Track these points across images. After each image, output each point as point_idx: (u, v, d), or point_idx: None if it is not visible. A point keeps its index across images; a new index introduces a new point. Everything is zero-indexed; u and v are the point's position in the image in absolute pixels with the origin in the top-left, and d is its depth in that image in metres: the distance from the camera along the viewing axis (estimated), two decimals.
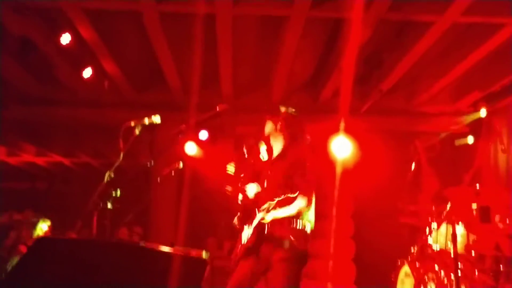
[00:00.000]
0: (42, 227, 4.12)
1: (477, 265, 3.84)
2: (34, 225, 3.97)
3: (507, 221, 3.91)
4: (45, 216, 4.59)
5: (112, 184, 2.60)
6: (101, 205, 2.24)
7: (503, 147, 3.70)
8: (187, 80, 5.51)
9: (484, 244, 3.92)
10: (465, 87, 5.60)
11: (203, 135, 5.76)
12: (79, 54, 4.85)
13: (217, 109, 2.73)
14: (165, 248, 1.39)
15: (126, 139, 3.21)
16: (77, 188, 9.45)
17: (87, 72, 5.06)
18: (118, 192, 2.31)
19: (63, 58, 4.99)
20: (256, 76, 5.65)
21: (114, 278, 1.14)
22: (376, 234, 6.53)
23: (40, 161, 9.23)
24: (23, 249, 3.59)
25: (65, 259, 1.06)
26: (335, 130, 5.98)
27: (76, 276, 1.09)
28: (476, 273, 3.82)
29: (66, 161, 9.23)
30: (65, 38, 4.40)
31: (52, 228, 4.22)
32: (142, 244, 1.35)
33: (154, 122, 3.35)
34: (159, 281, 1.20)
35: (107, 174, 2.69)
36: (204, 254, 1.71)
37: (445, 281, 3.86)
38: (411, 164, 4.79)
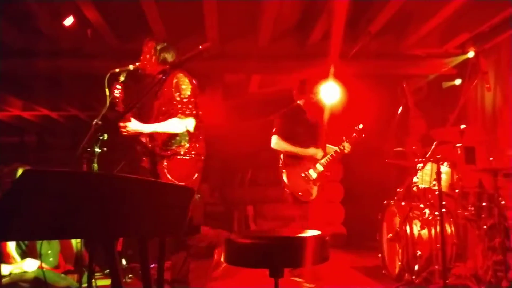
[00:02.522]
0: None
1: (461, 202, 3.97)
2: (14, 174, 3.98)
3: (490, 159, 4.00)
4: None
5: (101, 129, 2.61)
6: (89, 149, 2.26)
7: (488, 86, 3.73)
8: (172, 28, 5.40)
9: (468, 181, 4.04)
10: (454, 29, 5.55)
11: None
12: (59, 2, 4.71)
13: (200, 48, 2.70)
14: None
15: (112, 87, 3.19)
16: (66, 141, 9.43)
17: (69, 21, 4.93)
18: (106, 136, 2.32)
19: (42, 7, 4.84)
20: (242, 21, 5.54)
21: (103, 210, 1.17)
22: (364, 176, 6.67)
23: (27, 115, 9.14)
24: None
25: (54, 192, 1.07)
26: (324, 75, 5.97)
27: (65, 210, 1.11)
28: (460, 209, 3.96)
29: (53, 114, 9.14)
30: None
31: None
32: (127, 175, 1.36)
33: (140, 69, 3.32)
34: (147, 207, 1.24)
35: (94, 122, 2.70)
36: (196, 196, 1.74)
37: (430, 219, 4.01)
38: (399, 107, 4.83)
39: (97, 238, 1.41)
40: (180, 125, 3.21)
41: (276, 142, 4.54)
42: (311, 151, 4.44)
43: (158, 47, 3.40)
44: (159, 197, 1.25)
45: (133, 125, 3.23)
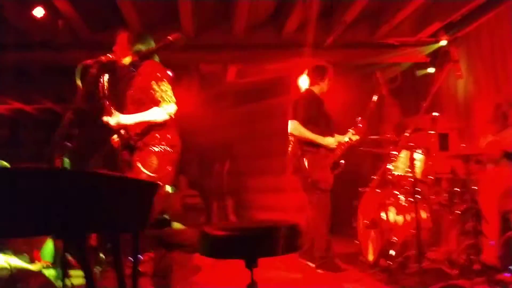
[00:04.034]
0: None
1: (434, 188, 4.06)
2: None
3: (463, 145, 4.09)
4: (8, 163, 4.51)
5: (73, 124, 2.57)
6: (60, 145, 2.23)
7: (459, 73, 3.80)
8: (146, 19, 5.33)
9: (441, 168, 4.12)
10: (426, 18, 5.62)
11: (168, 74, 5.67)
12: None
13: (170, 38, 2.67)
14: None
15: (84, 79, 3.14)
16: (41, 135, 9.26)
17: (39, 12, 4.82)
18: (76, 131, 2.29)
19: None
20: (217, 11, 5.50)
21: (69, 206, 1.16)
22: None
23: (1, 109, 8.94)
24: None
25: (20, 190, 1.06)
26: (301, 65, 5.99)
27: (32, 207, 1.10)
28: (434, 195, 4.04)
29: (27, 108, 8.96)
30: None
31: None
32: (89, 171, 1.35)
33: (112, 60, 3.27)
34: (110, 205, 1.23)
35: (66, 115, 2.65)
36: (170, 188, 1.74)
37: (405, 205, 4.08)
38: (373, 96, 4.88)
39: (64, 235, 1.39)
40: (162, 113, 3.19)
41: (295, 127, 4.43)
42: (329, 140, 4.41)
43: (133, 38, 3.35)
44: (123, 192, 1.25)
45: (116, 118, 3.20)
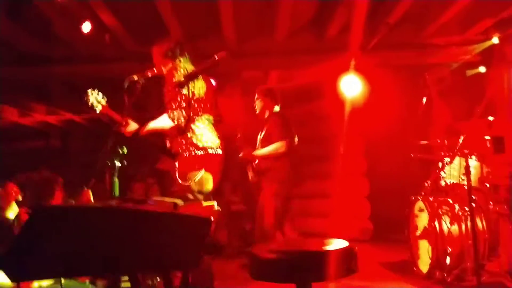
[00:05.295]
0: None
1: (491, 195, 3.85)
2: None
3: None
4: (60, 173, 4.64)
5: (121, 140, 2.60)
6: (109, 163, 2.25)
7: None
8: (189, 29, 5.38)
9: (498, 174, 3.91)
10: (475, 15, 5.37)
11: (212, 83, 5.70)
12: (76, 8, 4.73)
13: (216, 58, 2.65)
14: (168, 208, 1.40)
15: (131, 93, 3.18)
16: (90, 144, 9.53)
17: (86, 27, 4.96)
18: (125, 150, 2.31)
19: (60, 13, 4.87)
20: (259, 18, 5.48)
21: (119, 245, 1.14)
22: (389, 170, 6.57)
23: (52, 119, 9.28)
24: (23, 214, 3.62)
25: (67, 228, 1.05)
26: (343, 68, 5.88)
27: (80, 246, 1.08)
28: (491, 203, 3.84)
29: (77, 118, 9.27)
30: None
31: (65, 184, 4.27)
32: (140, 207, 1.33)
33: (158, 74, 3.30)
34: (162, 244, 1.20)
35: (113, 132, 2.69)
36: (215, 205, 1.72)
37: (460, 214, 3.90)
38: (422, 98, 4.71)
39: (114, 274, 1.38)
40: (167, 119, 3.22)
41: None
42: None
43: (165, 52, 3.35)
44: (175, 230, 1.22)
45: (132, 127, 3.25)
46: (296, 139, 4.69)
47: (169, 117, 3.18)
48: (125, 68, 5.10)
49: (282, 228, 4.53)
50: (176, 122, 3.19)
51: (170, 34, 5.35)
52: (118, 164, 2.23)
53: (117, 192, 2.22)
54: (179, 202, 1.70)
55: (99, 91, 3.42)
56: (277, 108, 4.81)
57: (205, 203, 2.45)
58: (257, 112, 4.92)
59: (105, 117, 3.19)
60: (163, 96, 3.34)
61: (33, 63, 5.89)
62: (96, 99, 3.26)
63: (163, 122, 3.23)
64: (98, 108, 3.26)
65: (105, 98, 3.31)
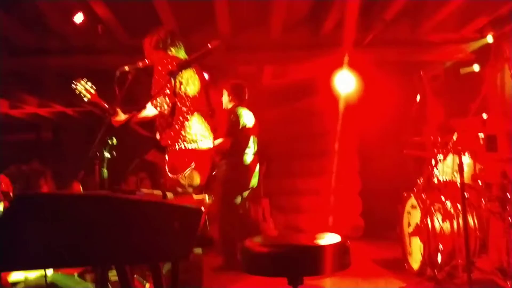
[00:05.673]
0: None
1: (484, 193, 3.85)
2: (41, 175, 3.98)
3: None
4: (51, 166, 4.60)
5: (110, 130, 2.56)
6: (98, 154, 2.21)
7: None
8: (183, 22, 5.32)
9: (491, 172, 3.91)
10: (471, 12, 5.36)
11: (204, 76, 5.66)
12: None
13: (209, 46, 2.61)
14: (158, 198, 1.37)
15: (122, 85, 3.14)
16: (82, 137, 9.48)
17: (79, 18, 4.90)
18: (114, 140, 2.27)
19: (52, 5, 4.81)
20: (253, 12, 5.44)
21: (107, 235, 1.10)
22: (382, 167, 6.57)
23: (43, 111, 9.20)
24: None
25: (51, 217, 1.01)
26: (338, 65, 5.86)
27: (65, 235, 1.05)
28: (483, 201, 3.84)
29: (68, 111, 9.19)
30: None
31: (56, 177, 4.23)
32: (128, 196, 1.29)
33: (150, 65, 3.26)
34: (150, 234, 1.17)
35: (105, 122, 2.65)
36: (206, 198, 1.69)
37: (452, 211, 3.90)
38: (416, 95, 4.71)
39: (102, 266, 1.34)
40: (150, 107, 3.20)
41: None
42: None
43: (156, 43, 3.31)
44: (164, 219, 1.18)
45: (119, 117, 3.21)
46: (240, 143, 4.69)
47: (152, 104, 3.12)
48: (118, 60, 5.03)
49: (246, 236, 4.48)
50: (159, 109, 3.15)
51: (163, 27, 5.30)
52: (107, 155, 2.19)
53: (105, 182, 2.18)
54: (169, 195, 1.67)
55: (92, 81, 3.37)
56: (240, 110, 4.75)
57: (196, 196, 2.42)
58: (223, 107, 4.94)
59: (94, 106, 3.16)
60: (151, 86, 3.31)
61: (25, 54, 5.81)
62: (84, 88, 3.21)
63: (147, 110, 3.18)
64: (87, 97, 3.21)
65: (94, 88, 3.26)
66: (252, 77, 7.50)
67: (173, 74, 2.93)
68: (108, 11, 4.91)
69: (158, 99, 3.13)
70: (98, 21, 5.17)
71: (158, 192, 1.64)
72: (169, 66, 3.14)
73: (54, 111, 9.15)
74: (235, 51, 5.78)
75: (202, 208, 1.21)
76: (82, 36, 5.44)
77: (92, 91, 3.23)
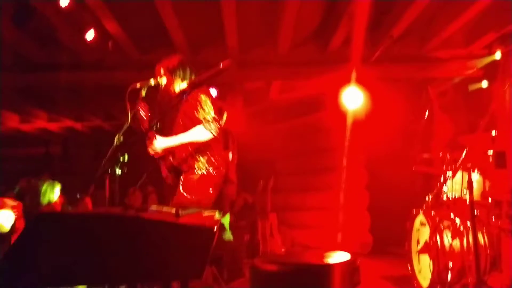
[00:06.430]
0: (55, 192, 4.14)
1: (493, 210, 3.82)
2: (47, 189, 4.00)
3: None
4: (60, 180, 4.63)
5: (122, 147, 2.58)
6: (109, 170, 2.23)
7: None
8: (192, 38, 5.39)
9: (500, 189, 3.88)
10: (479, 29, 5.38)
11: (212, 92, 5.70)
12: (80, 16, 4.75)
13: (220, 66, 2.64)
14: (169, 217, 1.38)
15: (133, 101, 3.18)
16: (91, 151, 9.54)
17: (90, 34, 4.98)
18: (126, 157, 2.29)
19: (64, 21, 4.89)
20: (262, 28, 5.49)
21: (121, 254, 1.11)
22: (391, 183, 6.54)
23: (53, 126, 9.29)
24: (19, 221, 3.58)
25: (67, 235, 1.03)
26: (345, 80, 5.88)
27: (79, 253, 1.06)
28: (493, 218, 3.80)
29: (78, 126, 9.28)
30: (65, 0, 4.30)
31: (65, 191, 4.26)
32: (142, 215, 1.30)
33: (160, 83, 3.30)
34: (163, 253, 1.18)
35: (116, 138, 2.68)
36: (216, 215, 1.69)
37: (461, 229, 3.86)
38: (424, 112, 4.70)
39: (114, 285, 1.35)
40: (204, 132, 3.16)
41: None
42: None
43: (168, 70, 3.35)
44: (177, 239, 1.19)
45: (159, 143, 3.21)
46: None
47: (206, 128, 3.15)
48: (128, 76, 5.11)
49: None
50: (214, 134, 3.17)
51: (173, 44, 5.37)
52: (118, 171, 2.22)
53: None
54: (181, 212, 1.68)
55: (101, 97, 3.42)
56: None
57: (206, 213, 2.43)
58: None
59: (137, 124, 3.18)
60: (159, 105, 3.35)
61: (36, 70, 5.90)
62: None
63: (198, 135, 3.18)
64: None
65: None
66: (260, 92, 7.54)
67: (185, 93, 2.96)
68: (118, 27, 4.99)
69: (212, 124, 3.16)
70: (108, 37, 5.25)
71: (167, 209, 1.65)
72: (179, 88, 3.20)
73: (63, 126, 9.24)
74: (244, 67, 5.84)
75: (215, 228, 1.22)
76: (93, 52, 5.52)
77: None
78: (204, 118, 3.17)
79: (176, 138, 3.22)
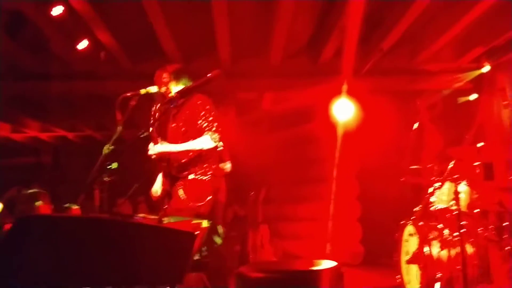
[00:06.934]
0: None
1: (481, 221, 3.86)
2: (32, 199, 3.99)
3: (510, 177, 3.89)
4: (50, 189, 4.61)
5: (112, 156, 2.60)
6: (99, 178, 2.25)
7: (506, 102, 3.64)
8: (184, 48, 5.43)
9: (487, 200, 3.93)
10: (468, 43, 5.47)
11: None
12: (73, 25, 4.78)
13: (209, 76, 2.68)
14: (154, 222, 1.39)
15: (124, 110, 3.19)
16: (82, 161, 9.50)
17: (82, 44, 5.00)
18: (115, 165, 2.30)
19: (56, 31, 4.91)
20: (254, 40, 5.55)
21: (101, 256, 1.13)
22: (381, 194, 6.57)
23: (44, 136, 9.27)
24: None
25: (50, 238, 1.04)
26: (336, 92, 5.93)
27: (62, 257, 1.07)
28: (480, 229, 3.84)
29: (69, 135, 9.26)
30: (57, 10, 4.33)
31: (54, 200, 4.24)
32: (124, 219, 1.32)
33: (151, 92, 3.33)
34: (145, 257, 1.19)
35: (105, 147, 2.69)
36: (204, 223, 1.71)
37: (449, 239, 3.89)
38: (413, 124, 4.76)
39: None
40: (210, 141, 3.25)
41: None
42: None
43: (173, 76, 3.41)
44: (158, 242, 1.21)
45: (163, 147, 3.24)
46: None
47: (211, 138, 3.23)
48: (120, 86, 5.12)
49: None
50: (218, 143, 3.29)
51: (165, 54, 5.40)
52: (107, 179, 2.23)
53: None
54: (167, 219, 1.69)
55: (93, 106, 3.45)
56: None
57: (194, 221, 2.45)
58: None
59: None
60: (153, 113, 3.38)
61: (28, 79, 5.90)
62: None
63: (204, 144, 3.25)
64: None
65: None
66: (252, 103, 7.58)
67: (173, 101, 2.99)
68: (111, 37, 5.01)
69: (216, 134, 3.25)
70: (101, 47, 5.28)
71: (153, 217, 1.67)
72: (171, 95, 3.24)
73: (54, 135, 9.22)
74: (236, 77, 5.88)
75: (196, 232, 1.24)
76: (85, 61, 5.54)
77: None
78: (208, 127, 3.24)
79: (181, 145, 3.27)
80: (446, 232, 3.94)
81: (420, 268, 3.89)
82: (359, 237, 6.98)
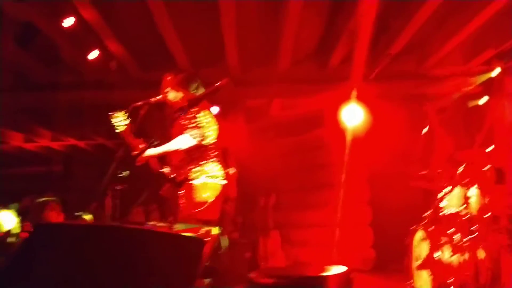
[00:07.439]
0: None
1: (492, 225, 3.83)
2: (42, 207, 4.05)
3: None
4: (62, 198, 4.67)
5: (123, 164, 2.63)
6: (110, 186, 2.28)
7: None
8: (194, 57, 5.47)
9: (498, 204, 3.90)
10: (477, 46, 5.44)
11: (214, 109, 5.75)
12: (83, 36, 4.84)
13: (217, 85, 2.70)
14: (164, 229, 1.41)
15: (135, 119, 3.24)
16: (94, 170, 9.57)
17: (93, 54, 5.06)
18: (126, 173, 2.33)
19: (67, 41, 4.98)
20: (262, 47, 5.58)
21: (113, 263, 1.14)
22: (392, 199, 6.53)
23: (55, 145, 9.36)
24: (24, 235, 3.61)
25: (65, 246, 1.06)
26: (345, 98, 5.93)
27: (78, 263, 1.09)
28: (491, 234, 3.81)
29: (81, 144, 9.34)
30: (68, 21, 4.40)
31: (65, 209, 4.29)
32: (138, 226, 1.34)
33: (161, 101, 3.37)
34: (158, 262, 1.21)
35: (116, 156, 2.73)
36: (214, 230, 1.72)
37: (460, 244, 3.87)
38: (423, 128, 4.75)
39: None
40: (186, 140, 3.19)
41: None
42: None
43: (177, 82, 3.42)
44: (167, 249, 1.22)
45: (147, 152, 3.25)
46: None
47: (190, 135, 3.18)
48: (130, 95, 5.17)
49: None
50: (199, 139, 3.19)
51: (175, 62, 5.45)
52: (119, 187, 2.26)
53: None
54: (178, 226, 1.71)
55: (104, 115, 3.47)
56: None
57: (204, 228, 2.46)
58: None
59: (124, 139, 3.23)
60: (164, 121, 3.40)
61: (39, 89, 5.98)
62: (119, 120, 3.30)
63: (179, 143, 3.22)
64: (120, 129, 3.29)
65: (127, 121, 3.31)
66: (261, 109, 7.61)
67: (183, 110, 3.02)
68: (121, 46, 5.07)
69: (196, 130, 3.19)
70: (111, 57, 5.34)
71: (163, 224, 1.68)
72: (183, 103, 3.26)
73: (65, 144, 9.31)
74: (245, 85, 5.91)
75: (205, 239, 1.25)
76: (95, 71, 5.60)
77: (124, 125, 3.29)
78: (190, 127, 3.21)
79: (158, 148, 3.22)
80: (457, 237, 3.91)
81: (431, 273, 3.87)
82: (371, 242, 6.95)
